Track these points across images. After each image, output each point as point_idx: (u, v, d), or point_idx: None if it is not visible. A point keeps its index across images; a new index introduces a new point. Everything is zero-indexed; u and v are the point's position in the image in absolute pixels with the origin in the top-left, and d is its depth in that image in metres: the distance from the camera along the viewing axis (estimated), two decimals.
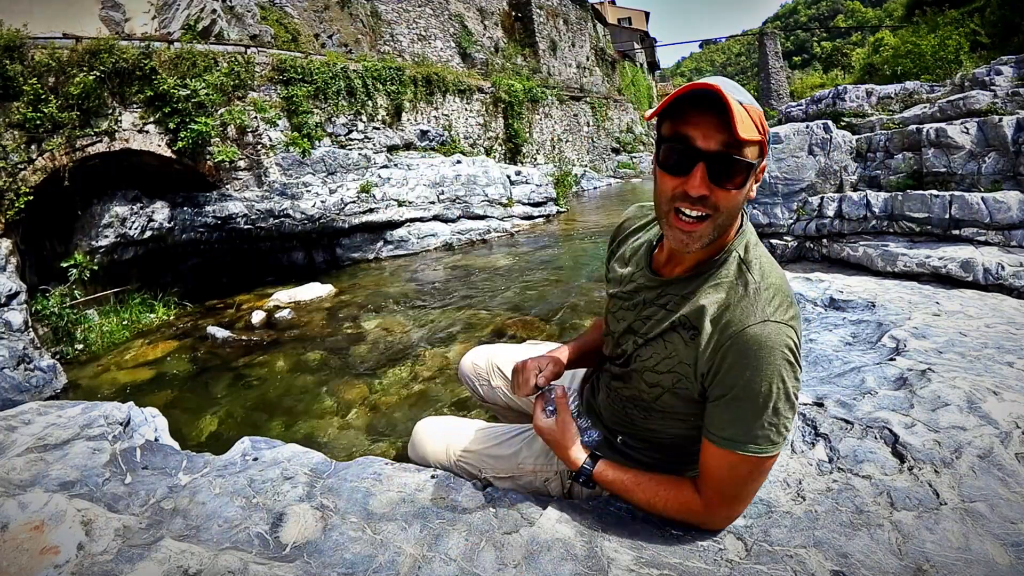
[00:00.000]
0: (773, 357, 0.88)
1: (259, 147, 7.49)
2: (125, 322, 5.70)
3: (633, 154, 23.97)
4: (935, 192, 3.82)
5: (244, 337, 4.99)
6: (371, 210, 8.41)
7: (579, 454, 1.09)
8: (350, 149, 8.65)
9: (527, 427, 1.34)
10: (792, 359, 0.89)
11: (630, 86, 31.10)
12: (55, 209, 5.92)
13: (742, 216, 1.00)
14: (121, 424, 1.56)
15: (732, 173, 0.86)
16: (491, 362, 1.60)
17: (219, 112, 7.01)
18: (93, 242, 6.00)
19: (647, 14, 43.02)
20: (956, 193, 3.74)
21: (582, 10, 26.18)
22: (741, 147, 0.85)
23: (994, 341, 2.24)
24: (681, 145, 0.86)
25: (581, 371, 1.48)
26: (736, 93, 0.86)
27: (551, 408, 1.14)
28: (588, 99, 21.90)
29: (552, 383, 1.20)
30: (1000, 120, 3.78)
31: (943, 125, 4.05)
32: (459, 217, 9.53)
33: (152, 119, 6.40)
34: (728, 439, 0.93)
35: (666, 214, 0.93)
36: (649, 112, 0.89)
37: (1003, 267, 3.29)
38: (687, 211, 0.89)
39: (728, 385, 0.92)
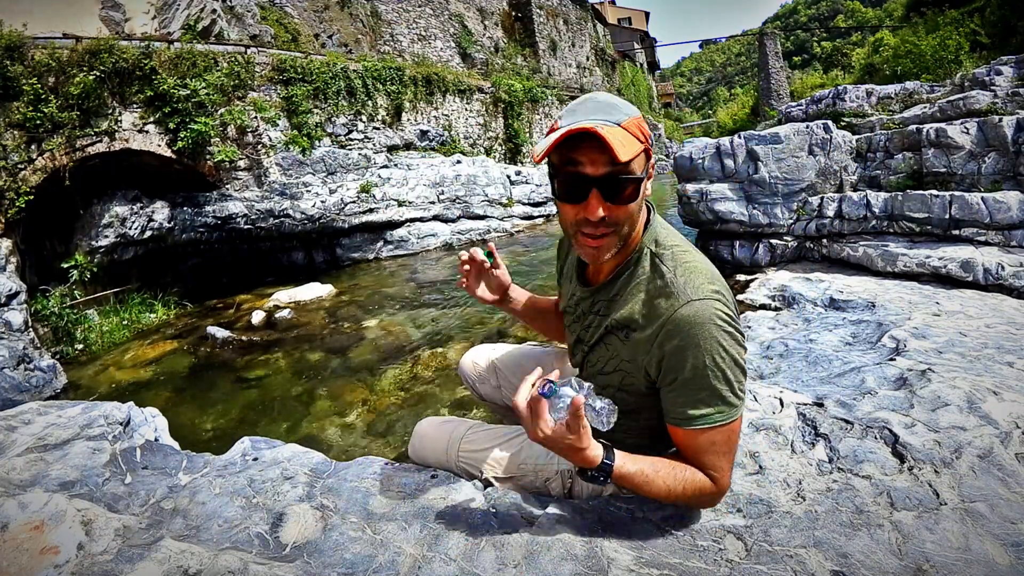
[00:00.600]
0: (707, 331, 0.93)
1: (259, 147, 7.49)
2: (125, 322, 5.70)
3: None
4: (935, 192, 3.82)
5: (244, 337, 4.99)
6: (371, 210, 8.40)
7: (596, 451, 0.97)
8: (350, 149, 8.65)
9: None
10: (727, 327, 0.94)
11: (630, 86, 31.10)
12: (55, 209, 5.92)
13: (649, 211, 1.08)
14: (121, 424, 1.56)
15: (622, 190, 0.93)
16: (492, 361, 1.61)
17: (219, 112, 7.01)
18: (93, 242, 6.00)
19: (647, 14, 43.03)
20: (956, 193, 3.74)
21: (582, 10, 26.18)
22: (626, 166, 0.90)
23: (994, 341, 2.24)
24: (573, 176, 0.92)
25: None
26: (612, 113, 0.91)
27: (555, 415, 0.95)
28: None
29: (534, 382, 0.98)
30: (1000, 120, 3.78)
31: (943, 125, 4.05)
32: (459, 217, 9.53)
33: (152, 119, 6.40)
34: (691, 419, 0.96)
35: (573, 236, 1.00)
36: (538, 155, 0.92)
37: (1003, 267, 3.29)
38: (594, 232, 0.96)
39: (675, 370, 0.96)
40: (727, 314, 0.94)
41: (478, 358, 1.64)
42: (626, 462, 1.00)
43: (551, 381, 0.95)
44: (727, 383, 0.94)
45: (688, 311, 0.93)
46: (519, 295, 1.43)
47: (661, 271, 1.00)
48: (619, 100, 0.96)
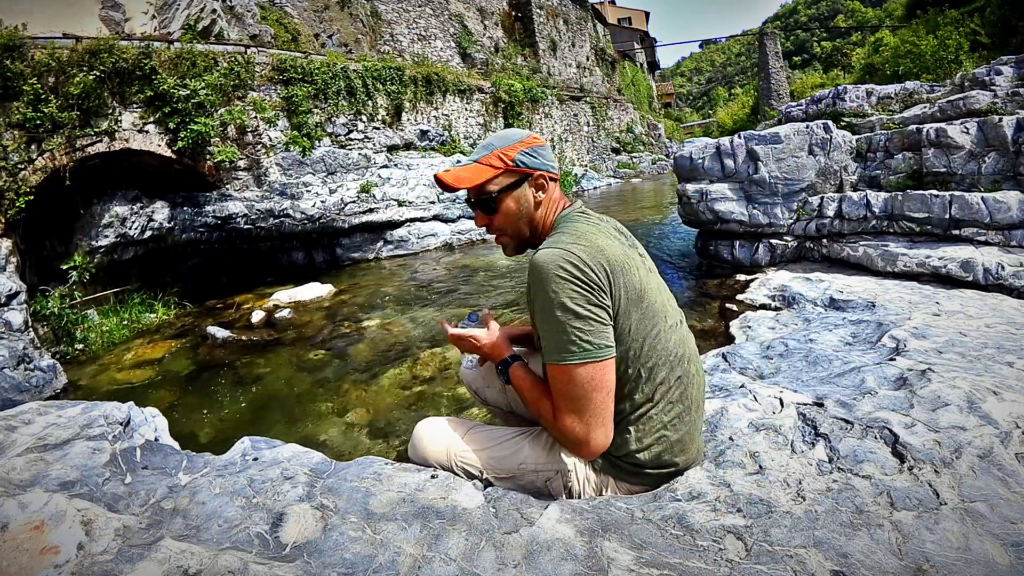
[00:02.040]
0: (545, 273, 1.09)
1: (259, 147, 7.49)
2: (125, 322, 5.70)
3: (633, 154, 23.96)
4: (935, 192, 3.82)
5: (244, 337, 4.99)
6: (371, 210, 8.40)
7: (505, 352, 1.31)
8: (350, 149, 8.64)
9: (529, 429, 1.35)
10: (563, 275, 1.07)
11: (630, 86, 31.09)
12: (55, 209, 5.92)
13: (563, 206, 1.30)
14: (121, 424, 1.56)
15: (483, 206, 1.28)
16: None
17: (219, 112, 7.01)
18: (93, 242, 5.99)
19: (647, 14, 43.02)
20: (956, 193, 3.74)
21: (582, 10, 26.17)
22: (478, 191, 1.26)
23: (994, 341, 2.24)
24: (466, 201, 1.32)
25: None
26: (480, 152, 1.27)
27: (472, 323, 1.41)
28: (588, 99, 21.90)
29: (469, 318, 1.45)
30: (1000, 120, 3.78)
31: (943, 125, 4.05)
32: (459, 217, 9.53)
33: (152, 119, 6.40)
34: (542, 351, 1.15)
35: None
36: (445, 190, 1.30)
37: (1003, 267, 3.29)
38: (494, 235, 1.32)
39: (532, 306, 1.16)
40: (570, 263, 1.08)
41: (481, 363, 1.63)
42: (520, 370, 1.27)
43: (470, 316, 1.44)
44: (556, 324, 1.08)
45: (537, 256, 1.13)
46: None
47: (547, 240, 1.21)
48: (500, 136, 1.28)
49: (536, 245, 1.30)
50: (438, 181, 1.26)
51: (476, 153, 1.27)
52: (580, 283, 1.07)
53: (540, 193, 1.26)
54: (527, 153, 1.24)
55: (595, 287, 1.08)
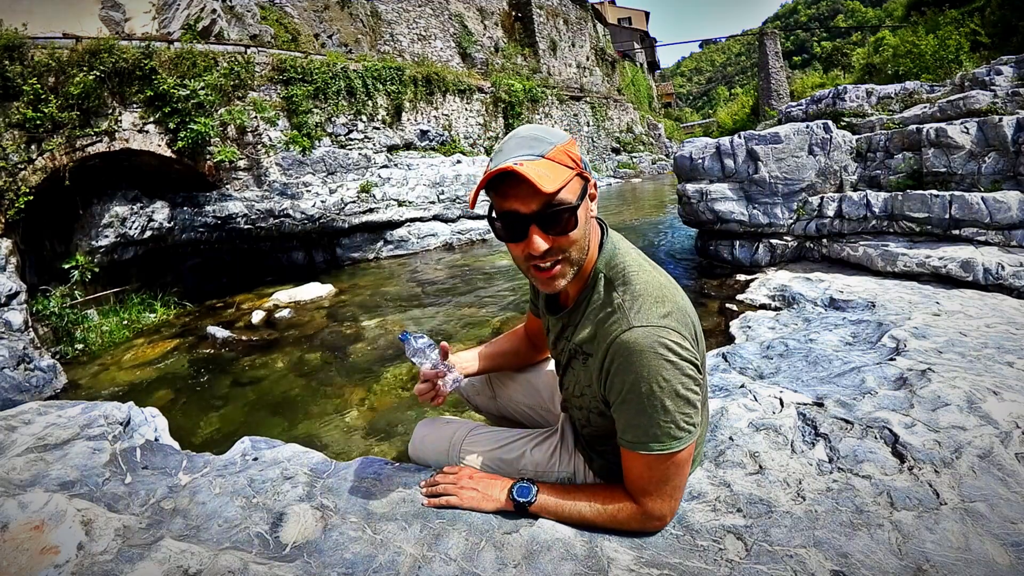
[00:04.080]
0: (646, 359, 0.92)
1: (259, 147, 7.49)
2: (125, 322, 5.70)
3: (633, 154, 23.96)
4: (935, 192, 3.82)
5: (244, 337, 4.99)
6: (371, 210, 8.41)
7: (504, 494, 1.14)
8: (350, 149, 8.65)
9: (529, 432, 1.35)
10: (670, 356, 0.92)
11: (630, 86, 31.09)
12: (55, 209, 5.92)
13: (602, 230, 1.08)
14: (121, 424, 1.57)
15: (559, 221, 0.93)
16: (486, 374, 1.58)
17: (219, 112, 7.01)
18: (93, 242, 6.00)
19: (647, 14, 43.05)
20: (956, 193, 3.74)
21: (582, 10, 26.17)
22: (555, 196, 0.91)
23: (994, 341, 2.24)
24: (510, 216, 0.95)
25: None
26: (535, 146, 0.93)
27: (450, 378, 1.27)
28: (588, 99, 21.90)
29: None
30: (1000, 120, 3.78)
31: (943, 125, 4.05)
32: (459, 217, 9.53)
33: (152, 119, 6.40)
34: (631, 442, 0.98)
35: (527, 271, 1.02)
36: (471, 202, 0.97)
37: (1003, 267, 3.29)
38: (542, 264, 0.97)
39: (616, 392, 0.98)
40: (673, 342, 0.93)
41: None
42: (547, 499, 1.10)
43: (412, 335, 1.30)
44: (666, 413, 0.94)
45: (629, 337, 0.94)
46: (478, 357, 1.48)
47: (611, 297, 1.01)
48: (544, 130, 0.97)
49: (582, 269, 1.04)
50: (500, 176, 0.91)
51: (528, 148, 0.93)
52: (689, 364, 0.95)
53: (594, 205, 1.03)
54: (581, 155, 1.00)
55: (697, 365, 0.97)
